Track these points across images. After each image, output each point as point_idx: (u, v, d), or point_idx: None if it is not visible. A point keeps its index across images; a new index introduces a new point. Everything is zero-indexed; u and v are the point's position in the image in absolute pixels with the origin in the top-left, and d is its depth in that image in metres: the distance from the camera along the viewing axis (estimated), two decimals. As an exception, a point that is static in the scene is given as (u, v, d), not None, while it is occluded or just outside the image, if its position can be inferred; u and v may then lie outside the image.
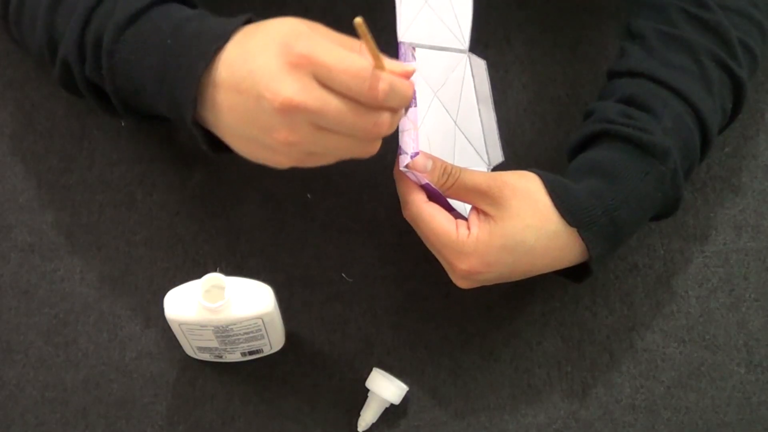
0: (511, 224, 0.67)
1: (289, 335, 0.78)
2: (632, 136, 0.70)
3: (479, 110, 0.80)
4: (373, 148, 0.63)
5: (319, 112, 0.58)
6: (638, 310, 0.80)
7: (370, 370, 0.76)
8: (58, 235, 0.81)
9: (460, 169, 0.69)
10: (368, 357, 0.78)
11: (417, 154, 0.67)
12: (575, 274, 0.73)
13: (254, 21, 0.64)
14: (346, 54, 0.58)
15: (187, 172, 0.83)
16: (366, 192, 0.83)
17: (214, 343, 0.73)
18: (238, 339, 0.72)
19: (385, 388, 0.75)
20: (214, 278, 0.68)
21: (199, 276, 0.68)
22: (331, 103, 0.58)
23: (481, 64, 0.82)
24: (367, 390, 0.76)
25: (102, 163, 0.83)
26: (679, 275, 0.81)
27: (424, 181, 0.68)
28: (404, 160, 0.68)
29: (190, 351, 0.76)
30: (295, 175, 0.84)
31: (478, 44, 0.89)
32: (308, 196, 0.83)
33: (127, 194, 0.82)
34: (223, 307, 0.68)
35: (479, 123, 0.80)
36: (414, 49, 0.72)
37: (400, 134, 0.69)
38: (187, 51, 0.62)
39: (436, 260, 0.75)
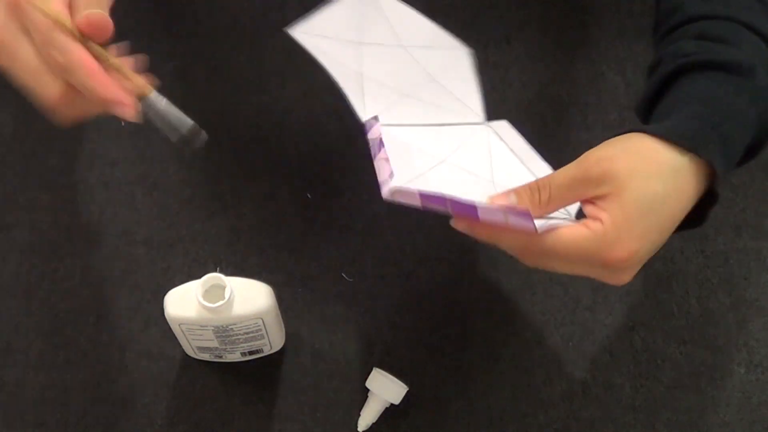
0: (634, 186, 0.60)
1: (289, 335, 0.78)
2: (714, 60, 0.66)
3: (528, 169, 0.75)
4: (46, 101, 0.61)
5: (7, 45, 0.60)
6: (638, 310, 0.80)
7: (370, 370, 0.76)
8: (58, 235, 0.81)
9: (547, 176, 0.64)
10: (368, 357, 0.78)
11: (527, 212, 0.60)
12: (695, 217, 0.66)
13: None
14: (58, 9, 0.58)
15: (187, 172, 0.83)
16: (366, 192, 0.83)
17: (214, 343, 0.73)
18: (238, 339, 0.72)
19: (385, 388, 0.75)
20: (214, 278, 0.68)
21: (199, 276, 0.68)
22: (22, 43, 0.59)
23: (503, 125, 0.78)
24: (367, 390, 0.76)
25: (102, 163, 0.83)
26: (679, 275, 0.81)
27: (513, 220, 0.61)
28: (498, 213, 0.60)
29: (190, 351, 0.76)
30: (295, 175, 0.84)
31: (479, 44, 0.89)
32: (308, 196, 0.83)
33: (127, 194, 0.82)
34: (223, 307, 0.68)
35: (531, 177, 0.75)
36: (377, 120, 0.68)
37: (453, 214, 0.63)
38: None
39: (436, 260, 0.75)
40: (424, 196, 0.61)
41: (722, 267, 0.82)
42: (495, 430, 0.77)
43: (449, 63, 0.81)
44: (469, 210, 0.60)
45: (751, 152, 0.68)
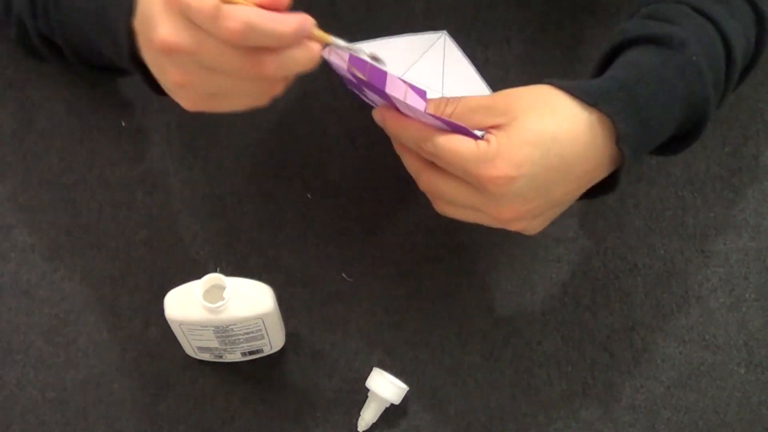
0: (527, 119, 0.64)
1: (289, 335, 0.78)
2: (647, 34, 0.68)
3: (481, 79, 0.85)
4: (271, 91, 0.58)
5: (195, 52, 0.55)
6: (638, 310, 0.80)
7: (370, 370, 0.76)
8: (58, 235, 0.81)
9: (462, 96, 0.67)
10: (368, 357, 0.78)
11: (425, 92, 0.65)
12: (612, 180, 0.69)
13: None
14: None
15: (187, 172, 0.83)
16: (366, 192, 0.83)
17: (214, 343, 0.73)
18: (238, 339, 0.72)
19: (385, 388, 0.75)
20: (214, 278, 0.68)
21: (199, 276, 0.68)
22: (206, 42, 0.54)
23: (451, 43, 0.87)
24: (367, 390, 0.76)
25: (102, 163, 0.83)
26: (679, 275, 0.81)
27: (426, 118, 0.65)
28: (413, 100, 0.64)
29: (190, 351, 0.76)
30: (295, 175, 0.84)
31: (479, 44, 0.89)
32: (308, 196, 0.83)
33: (127, 194, 0.82)
34: (223, 307, 0.68)
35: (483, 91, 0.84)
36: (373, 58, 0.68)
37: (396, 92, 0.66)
38: None
39: (437, 260, 0.75)
40: (353, 58, 0.64)
41: (722, 267, 0.82)
42: (495, 430, 0.77)
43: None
44: (380, 77, 0.64)
45: (692, 132, 0.70)
